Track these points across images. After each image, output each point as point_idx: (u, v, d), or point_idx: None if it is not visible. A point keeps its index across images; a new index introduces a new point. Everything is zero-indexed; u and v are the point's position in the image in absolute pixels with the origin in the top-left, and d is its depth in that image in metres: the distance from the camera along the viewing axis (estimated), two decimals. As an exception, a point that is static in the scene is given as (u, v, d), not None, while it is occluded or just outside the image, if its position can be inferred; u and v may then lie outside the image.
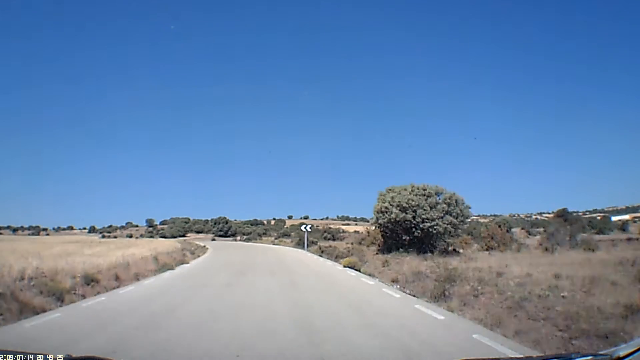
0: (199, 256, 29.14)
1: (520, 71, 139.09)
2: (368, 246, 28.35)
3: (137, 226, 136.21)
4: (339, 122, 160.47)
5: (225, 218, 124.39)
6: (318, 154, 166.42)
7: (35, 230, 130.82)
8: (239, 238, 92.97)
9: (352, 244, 35.05)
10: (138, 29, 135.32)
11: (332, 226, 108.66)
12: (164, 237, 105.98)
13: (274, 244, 60.13)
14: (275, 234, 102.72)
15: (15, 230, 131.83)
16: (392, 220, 22.17)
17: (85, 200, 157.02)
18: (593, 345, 5.34)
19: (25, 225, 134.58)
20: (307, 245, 39.71)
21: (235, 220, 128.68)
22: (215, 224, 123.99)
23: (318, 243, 41.21)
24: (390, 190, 23.83)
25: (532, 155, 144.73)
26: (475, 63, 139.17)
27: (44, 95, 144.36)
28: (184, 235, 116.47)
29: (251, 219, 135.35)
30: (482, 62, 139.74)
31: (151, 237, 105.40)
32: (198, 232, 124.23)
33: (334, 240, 53.46)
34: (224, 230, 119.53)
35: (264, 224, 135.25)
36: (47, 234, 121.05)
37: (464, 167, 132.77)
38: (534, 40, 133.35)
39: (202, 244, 50.39)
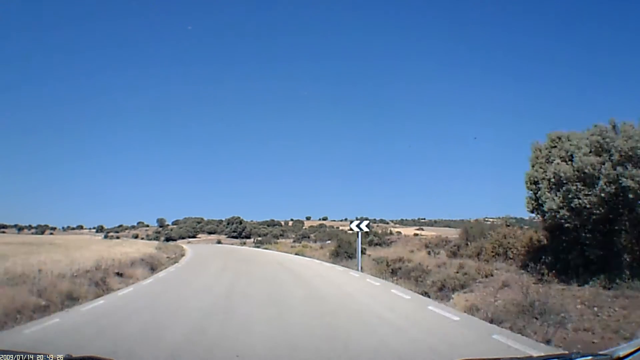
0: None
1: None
2: (487, 260, 14.90)
3: (147, 226, 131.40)
4: (357, 123, 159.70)
5: (239, 218, 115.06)
6: (336, 154, 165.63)
7: (40, 230, 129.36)
8: (252, 240, 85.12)
9: (421, 251, 22.38)
10: (151, 28, 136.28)
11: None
12: (170, 239, 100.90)
13: (295, 253, 35.61)
14: (294, 236, 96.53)
15: (20, 229, 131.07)
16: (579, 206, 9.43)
17: (99, 199, 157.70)
18: None
19: (33, 224, 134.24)
20: (359, 258, 20.02)
21: (251, 220, 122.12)
22: (228, 224, 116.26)
23: (367, 252, 24.67)
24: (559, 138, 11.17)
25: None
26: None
27: (54, 93, 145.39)
28: (194, 236, 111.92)
29: (268, 219, 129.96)
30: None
31: (157, 238, 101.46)
32: (210, 233, 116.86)
33: (381, 246, 33.39)
34: (238, 231, 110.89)
35: (281, 225, 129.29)
36: (52, 233, 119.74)
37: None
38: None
39: (188, 250, 37.80)
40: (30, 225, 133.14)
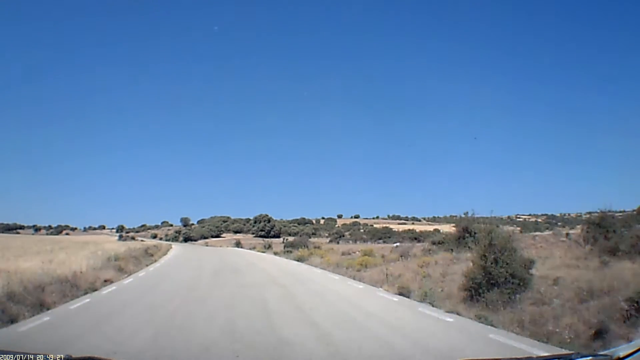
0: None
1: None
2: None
3: (171, 225, 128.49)
4: (386, 119, 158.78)
5: (267, 216, 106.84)
6: (367, 152, 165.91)
7: (57, 230, 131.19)
8: (281, 240, 71.28)
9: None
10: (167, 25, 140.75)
11: (390, 226, 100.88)
12: (189, 239, 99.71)
13: (348, 266, 19.67)
14: (327, 234, 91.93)
15: (38, 229, 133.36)
16: None
17: (124, 199, 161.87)
18: None
19: (54, 225, 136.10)
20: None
21: (281, 219, 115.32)
22: (255, 222, 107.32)
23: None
24: None
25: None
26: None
27: (78, 92, 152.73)
28: (218, 235, 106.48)
29: (298, 217, 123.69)
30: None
31: (175, 237, 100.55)
32: (236, 232, 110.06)
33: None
34: (266, 230, 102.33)
35: (312, 223, 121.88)
36: (67, 234, 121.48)
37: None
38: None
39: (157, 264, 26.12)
40: (49, 226, 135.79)
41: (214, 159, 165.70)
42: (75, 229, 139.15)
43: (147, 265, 23.81)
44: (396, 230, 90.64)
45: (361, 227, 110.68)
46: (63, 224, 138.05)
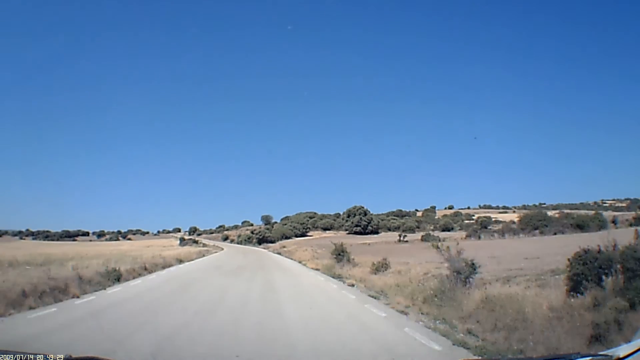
0: None
1: None
2: None
3: (251, 224, 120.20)
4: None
5: (362, 208, 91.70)
6: (462, 137, 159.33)
7: (115, 236, 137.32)
8: (398, 238, 61.05)
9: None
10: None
11: (491, 215, 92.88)
12: (264, 240, 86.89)
13: None
14: (431, 227, 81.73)
15: (100, 235, 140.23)
16: None
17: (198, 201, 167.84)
18: None
19: (124, 230, 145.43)
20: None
21: (376, 213, 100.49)
22: (349, 216, 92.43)
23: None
24: None
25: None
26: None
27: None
28: (303, 234, 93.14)
29: (394, 209, 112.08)
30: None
31: (248, 239, 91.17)
32: (325, 229, 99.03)
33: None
34: (362, 224, 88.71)
35: (409, 216, 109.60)
36: (130, 239, 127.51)
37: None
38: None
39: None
40: (120, 231, 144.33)
41: (299, 155, 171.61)
42: (147, 232, 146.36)
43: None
44: (503, 220, 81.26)
45: (463, 217, 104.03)
46: (134, 229, 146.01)
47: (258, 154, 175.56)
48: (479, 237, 51.72)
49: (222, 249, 68.99)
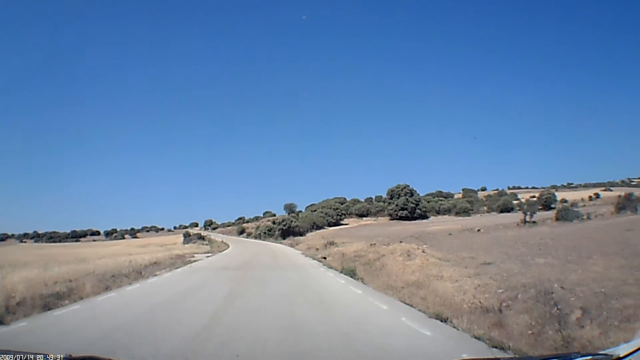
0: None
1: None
2: None
3: (274, 215, 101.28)
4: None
5: (407, 187, 76.42)
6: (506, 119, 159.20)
7: (131, 233, 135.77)
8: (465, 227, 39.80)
9: None
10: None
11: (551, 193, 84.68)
12: (288, 233, 63.18)
13: None
14: (485, 209, 75.23)
15: (109, 234, 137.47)
16: None
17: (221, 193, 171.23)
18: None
19: (148, 226, 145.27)
20: None
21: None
22: (391, 198, 76.39)
23: None
24: None
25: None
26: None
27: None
28: (337, 223, 76.68)
29: (434, 190, 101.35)
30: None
31: (269, 231, 68.76)
32: (361, 216, 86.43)
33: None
34: (408, 207, 73.64)
35: (452, 197, 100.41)
36: (136, 237, 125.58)
37: None
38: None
39: None
40: (133, 228, 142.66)
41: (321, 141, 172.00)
42: (162, 229, 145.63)
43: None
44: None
45: (508, 197, 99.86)
46: (149, 225, 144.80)
47: (275, 143, 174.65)
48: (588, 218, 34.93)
49: (227, 246, 49.74)
